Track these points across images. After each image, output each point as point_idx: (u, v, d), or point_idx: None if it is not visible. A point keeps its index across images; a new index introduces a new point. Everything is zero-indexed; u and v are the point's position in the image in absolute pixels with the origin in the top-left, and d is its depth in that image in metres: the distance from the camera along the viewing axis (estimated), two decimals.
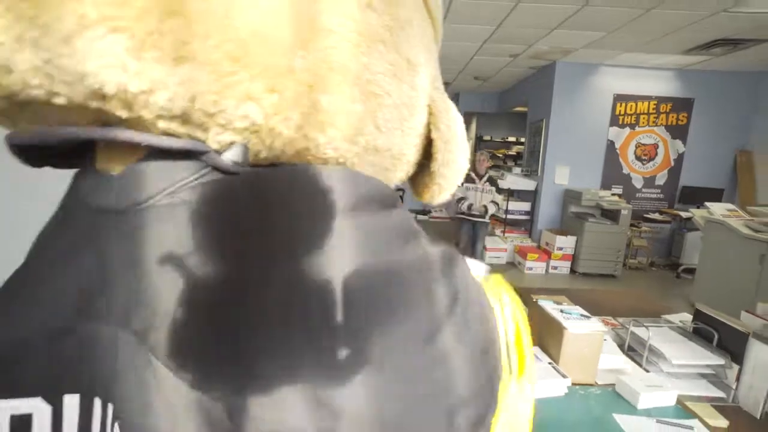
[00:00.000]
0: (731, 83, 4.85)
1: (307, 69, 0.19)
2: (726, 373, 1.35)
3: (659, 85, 4.89)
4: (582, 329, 1.23)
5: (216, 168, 0.20)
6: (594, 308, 2.10)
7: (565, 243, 4.69)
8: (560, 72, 4.87)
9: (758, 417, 1.28)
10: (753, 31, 3.47)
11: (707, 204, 3.98)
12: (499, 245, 5.04)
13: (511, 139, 10.11)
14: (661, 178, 5.13)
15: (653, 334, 1.42)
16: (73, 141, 0.19)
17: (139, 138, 0.18)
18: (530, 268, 4.68)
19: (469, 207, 4.00)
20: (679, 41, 3.83)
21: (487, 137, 9.98)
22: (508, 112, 8.79)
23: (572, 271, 4.73)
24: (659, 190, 5.15)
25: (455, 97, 7.94)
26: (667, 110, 4.92)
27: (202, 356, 0.18)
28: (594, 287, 4.16)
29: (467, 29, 3.86)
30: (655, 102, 4.90)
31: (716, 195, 4.87)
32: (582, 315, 1.30)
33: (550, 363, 1.24)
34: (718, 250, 3.65)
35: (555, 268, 4.73)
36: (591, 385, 1.25)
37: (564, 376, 1.17)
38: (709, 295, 3.69)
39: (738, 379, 1.32)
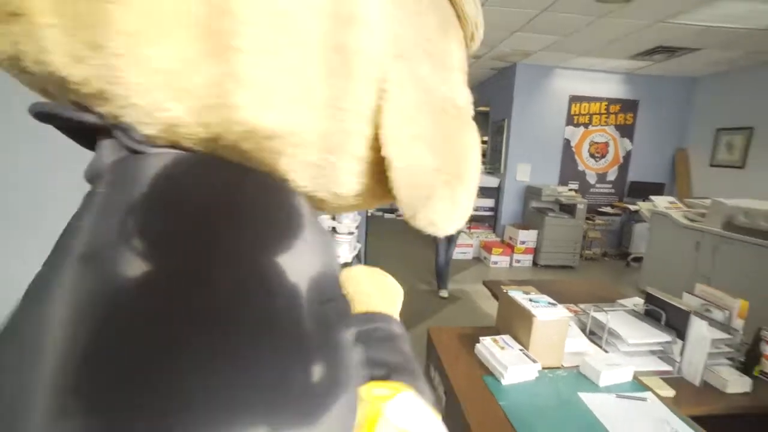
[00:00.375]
0: (670, 87, 5.29)
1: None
2: (672, 348, 1.49)
3: (609, 87, 5.24)
4: (549, 316, 1.32)
5: (127, 147, 0.18)
6: (557, 297, 2.23)
7: (528, 237, 4.92)
8: (520, 73, 5.09)
9: (697, 385, 1.43)
10: (688, 40, 3.81)
11: (652, 197, 4.33)
12: (466, 241, 5.19)
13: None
14: (612, 174, 5.51)
15: (611, 318, 1.54)
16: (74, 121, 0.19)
17: (56, 110, 0.18)
18: (495, 262, 4.87)
19: None
20: (626, 47, 4.12)
21: None
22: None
23: (534, 263, 4.98)
24: (610, 185, 5.53)
25: None
26: (616, 111, 5.29)
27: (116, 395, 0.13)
28: (555, 278, 4.41)
29: None
30: (606, 103, 5.26)
31: (659, 189, 5.30)
32: (549, 303, 1.39)
33: (521, 350, 1.32)
34: (661, 239, 3.99)
35: (518, 261, 4.95)
36: (558, 368, 1.34)
37: (534, 361, 1.25)
38: (655, 280, 4.02)
39: (682, 353, 1.47)
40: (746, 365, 1.50)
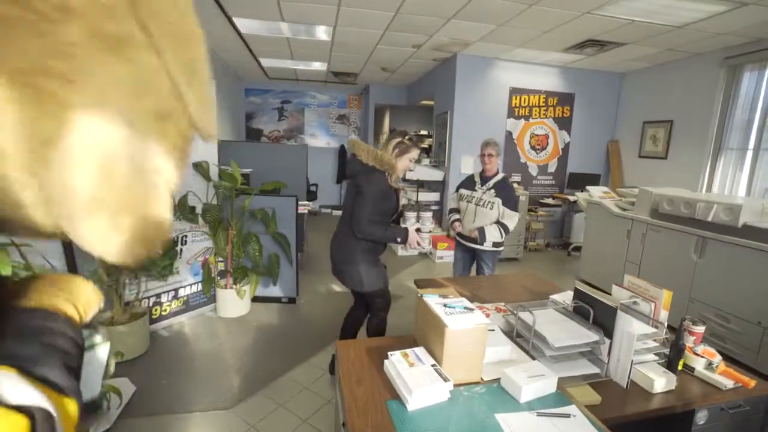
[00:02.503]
0: (602, 81, 5.47)
1: None
2: (600, 348, 1.38)
3: (547, 80, 5.32)
4: (464, 324, 1.13)
5: None
6: (491, 295, 2.11)
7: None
8: (461, 65, 5.01)
9: (625, 387, 1.32)
10: (614, 34, 3.89)
11: (588, 188, 4.42)
12: None
13: (424, 132, 10.41)
14: (552, 166, 5.62)
15: (539, 318, 1.40)
16: None
17: None
18: (440, 257, 4.77)
19: (452, 224, 2.81)
20: (559, 38, 4.15)
21: (400, 130, 10.13)
22: (418, 106, 8.96)
23: None
24: (551, 177, 5.64)
25: (366, 88, 7.84)
26: (554, 104, 5.39)
27: None
28: (499, 271, 4.39)
29: (366, 14, 3.71)
30: (545, 96, 5.33)
31: (595, 180, 5.49)
32: (466, 308, 1.21)
33: (433, 365, 1.13)
34: (596, 228, 4.07)
35: None
36: (477, 383, 1.17)
37: (446, 380, 1.06)
38: (593, 268, 4.11)
39: (609, 353, 1.36)
40: (671, 360, 1.43)
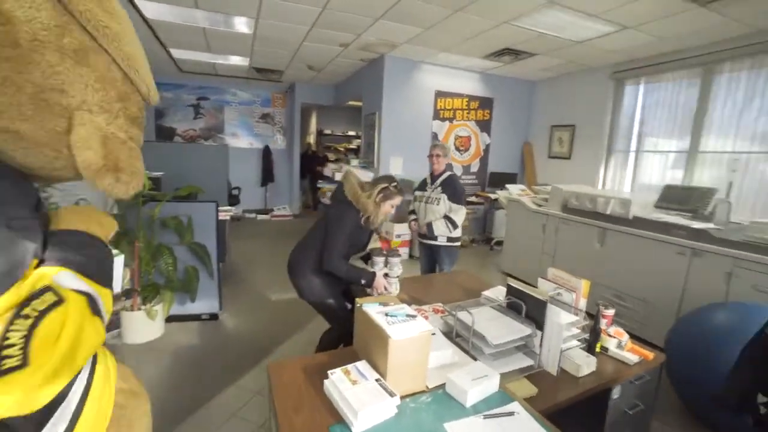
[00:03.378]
0: (517, 87, 5.95)
1: None
2: (534, 341, 1.44)
3: (469, 84, 5.61)
4: (408, 333, 1.08)
5: None
6: (427, 295, 2.12)
7: (403, 230, 4.94)
8: (389, 66, 5.05)
9: (555, 374, 1.40)
10: (528, 45, 4.24)
11: (507, 186, 4.75)
12: None
13: (351, 132, 10.35)
14: (475, 166, 5.95)
15: (476, 316, 1.41)
16: None
17: None
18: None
19: (409, 224, 3.02)
20: (480, 45, 4.39)
21: (327, 131, 9.93)
22: (346, 106, 8.89)
23: (411, 256, 5.03)
24: (474, 176, 5.97)
25: (291, 87, 7.53)
26: (476, 107, 5.71)
27: None
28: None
29: (291, 8, 3.53)
30: (467, 99, 5.62)
31: (512, 178, 5.93)
32: (408, 315, 1.16)
33: (377, 380, 1.06)
34: (516, 223, 4.39)
35: None
36: (422, 392, 1.13)
37: (392, 395, 1.00)
38: (514, 261, 4.42)
39: (541, 344, 1.43)
40: (590, 343, 1.55)
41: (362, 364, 1.14)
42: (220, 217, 3.23)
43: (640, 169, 4.69)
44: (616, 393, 1.42)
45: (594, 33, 3.78)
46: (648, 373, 1.53)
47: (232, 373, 2.35)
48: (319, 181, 6.35)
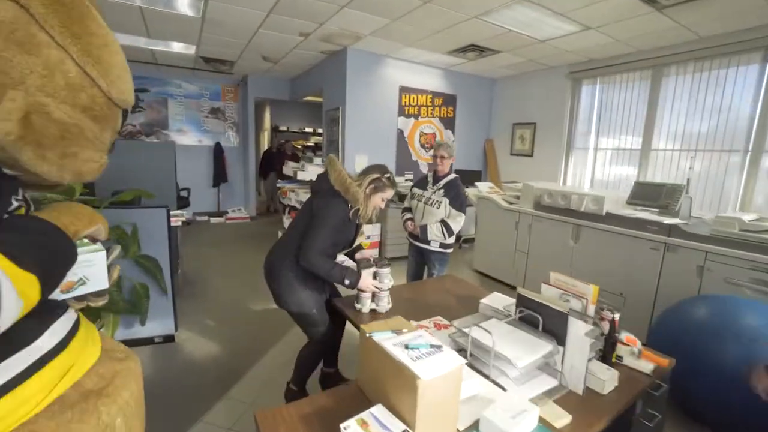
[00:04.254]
0: (478, 85, 5.96)
1: None
2: (555, 358, 1.31)
3: (433, 81, 5.52)
4: (437, 370, 0.89)
5: None
6: (422, 306, 1.94)
7: (372, 231, 4.75)
8: (352, 59, 4.81)
9: (581, 394, 1.28)
10: (493, 42, 4.20)
11: (476, 183, 4.72)
12: None
13: (308, 129, 9.94)
14: None
15: (490, 334, 1.25)
16: None
17: None
18: (343, 260, 4.50)
19: (404, 223, 2.75)
20: (446, 41, 4.29)
21: (283, 127, 9.45)
22: (302, 102, 8.49)
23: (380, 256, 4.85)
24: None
25: (244, 79, 7.01)
26: (440, 104, 5.64)
27: None
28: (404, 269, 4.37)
29: None
30: (431, 96, 5.53)
31: (477, 176, 5.95)
32: (432, 346, 0.97)
33: (405, 431, 0.85)
34: (487, 221, 4.36)
35: None
36: None
37: None
38: (486, 258, 4.40)
39: (563, 361, 1.30)
40: (605, 354, 1.46)
41: (379, 411, 0.93)
42: (171, 224, 2.83)
43: (598, 166, 4.88)
44: (638, 407, 1.34)
45: (558, 32, 3.82)
46: (664, 380, 1.47)
47: (197, 406, 2.02)
48: (279, 180, 5.94)
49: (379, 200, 1.90)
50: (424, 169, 5.75)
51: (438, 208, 2.58)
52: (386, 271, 1.83)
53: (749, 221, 2.40)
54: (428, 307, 1.86)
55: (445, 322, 1.63)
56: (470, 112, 6.00)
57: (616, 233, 3.00)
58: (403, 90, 5.28)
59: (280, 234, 5.23)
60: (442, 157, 2.63)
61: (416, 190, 2.78)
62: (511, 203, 4.05)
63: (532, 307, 1.42)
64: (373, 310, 1.77)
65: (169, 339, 2.58)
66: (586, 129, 4.99)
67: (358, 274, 1.76)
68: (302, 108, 9.62)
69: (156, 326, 2.55)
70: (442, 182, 2.64)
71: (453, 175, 2.68)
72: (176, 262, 3.13)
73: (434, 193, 2.63)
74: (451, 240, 2.64)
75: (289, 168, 5.53)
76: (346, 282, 1.75)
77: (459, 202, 2.57)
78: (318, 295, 1.89)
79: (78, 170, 0.74)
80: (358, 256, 2.05)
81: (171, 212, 2.88)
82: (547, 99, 5.33)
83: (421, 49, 4.68)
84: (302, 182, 5.22)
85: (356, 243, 2.07)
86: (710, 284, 2.49)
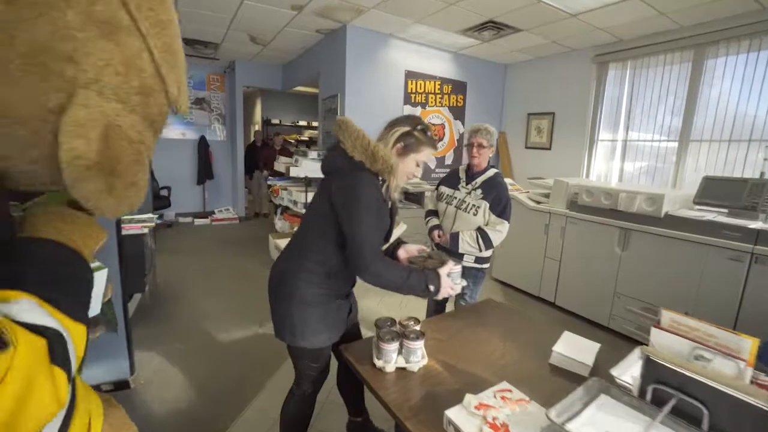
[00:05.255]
0: (488, 71, 5.41)
1: None
2: None
3: (442, 65, 4.95)
4: None
5: None
6: (465, 357, 1.29)
7: None
8: (352, 39, 4.22)
9: None
10: (516, 17, 3.64)
11: None
12: None
13: (302, 122, 9.31)
14: (449, 158, 5.34)
15: (602, 417, 0.70)
16: None
17: None
18: None
19: (430, 232, 2.18)
20: (461, 16, 3.73)
21: (275, 120, 8.82)
22: (296, 93, 7.86)
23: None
24: (448, 170, 5.34)
25: (231, 66, 6.38)
26: (449, 92, 5.08)
27: None
28: None
29: None
30: (440, 82, 4.96)
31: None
32: None
33: None
34: (511, 223, 3.78)
35: None
36: None
37: None
38: (508, 267, 3.85)
39: None
40: None
41: None
42: (130, 232, 2.25)
43: (628, 159, 4.36)
44: None
45: (594, 2, 3.27)
46: None
47: None
48: (269, 177, 5.35)
49: (412, 165, 1.33)
50: (432, 164, 5.19)
51: (475, 214, 2.01)
52: (458, 269, 1.29)
53: None
54: (477, 360, 1.30)
55: (519, 394, 1.07)
56: (481, 101, 5.44)
57: (679, 239, 2.47)
58: (410, 75, 4.70)
59: (271, 239, 4.65)
60: (480, 146, 2.05)
61: (445, 190, 2.20)
62: (539, 202, 3.51)
63: (671, 380, 0.87)
64: (401, 368, 1.21)
65: (122, 386, 1.99)
66: (613, 119, 4.46)
67: (438, 277, 1.22)
68: (296, 100, 9.01)
69: (104, 370, 1.95)
70: (479, 180, 2.07)
71: (493, 170, 2.12)
72: (142, 278, 2.55)
73: (469, 194, 2.06)
74: (489, 253, 2.08)
75: (280, 163, 4.94)
76: (432, 288, 1.20)
77: (502, 206, 2.01)
78: (340, 325, 1.36)
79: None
80: (402, 254, 1.46)
81: (134, 216, 2.31)
82: (567, 86, 4.79)
83: (432, 27, 4.10)
84: (296, 179, 4.64)
85: (395, 235, 1.51)
86: None
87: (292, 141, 8.68)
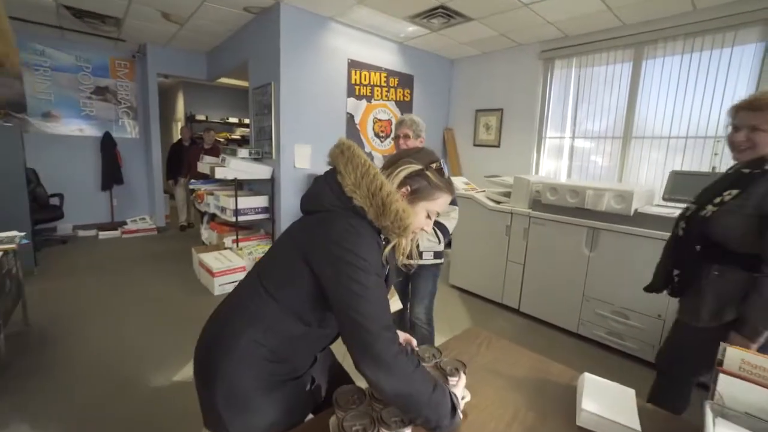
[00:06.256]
0: (436, 65, 5.17)
1: None
2: None
3: (387, 56, 4.59)
4: None
5: None
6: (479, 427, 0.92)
7: None
8: (287, 21, 3.68)
9: None
10: (469, 3, 3.39)
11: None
12: (231, 262, 3.48)
13: (233, 119, 8.41)
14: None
15: None
16: None
17: None
18: None
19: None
20: (408, 1, 3.38)
21: (201, 117, 7.84)
22: (227, 87, 7.03)
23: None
24: None
25: (141, 50, 5.43)
26: (396, 85, 4.73)
27: None
28: None
29: None
30: (386, 74, 4.59)
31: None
32: None
33: None
34: (468, 225, 3.49)
35: None
36: None
37: None
38: (466, 272, 3.57)
39: None
40: None
41: None
42: None
43: (575, 156, 4.36)
44: None
45: None
46: None
47: None
48: (192, 181, 4.57)
49: (422, 216, 0.96)
50: (379, 163, 4.77)
51: None
52: (454, 380, 0.96)
53: None
54: (488, 422, 0.91)
55: None
56: (428, 96, 5.18)
57: (650, 238, 2.33)
58: (353, 65, 4.27)
59: (195, 253, 3.87)
60: (407, 137, 1.95)
61: None
62: (498, 202, 3.27)
63: None
64: None
65: None
66: (560, 116, 4.43)
67: (453, 405, 0.84)
68: (226, 94, 8.12)
69: None
70: None
71: None
72: None
73: None
74: (443, 246, 1.93)
75: (204, 164, 4.22)
76: (444, 422, 0.81)
77: None
78: (299, 408, 0.95)
79: None
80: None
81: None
82: (515, 82, 4.70)
83: (377, 11, 3.71)
84: (223, 182, 3.97)
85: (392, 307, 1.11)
86: None
87: (222, 140, 7.78)
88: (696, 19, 3.28)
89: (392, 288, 1.11)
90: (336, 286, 0.79)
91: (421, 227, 0.97)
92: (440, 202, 0.96)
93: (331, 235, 0.82)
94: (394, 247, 0.96)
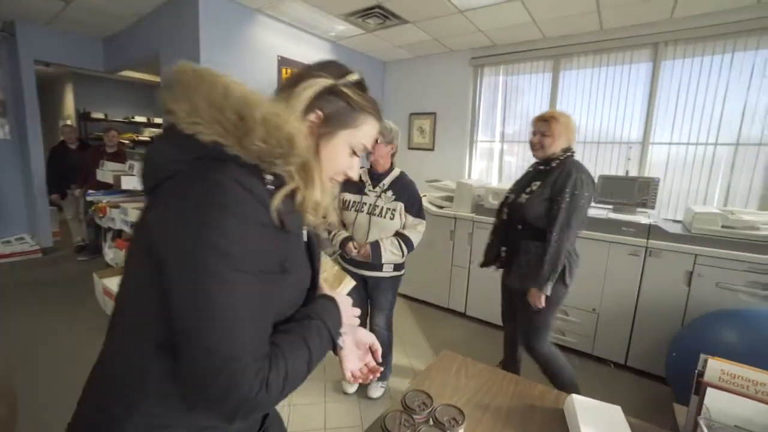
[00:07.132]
0: (369, 66, 5.08)
1: None
2: None
3: (320, 55, 4.36)
4: None
5: None
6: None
7: None
8: (207, 9, 3.27)
9: None
10: (405, 5, 3.34)
11: None
12: None
13: (141, 118, 7.39)
14: None
15: None
16: None
17: None
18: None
19: (343, 246, 1.87)
20: None
21: (98, 114, 6.75)
22: (133, 81, 6.15)
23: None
24: None
25: (8, 30, 4.44)
26: None
27: None
28: None
29: None
30: None
31: None
32: None
33: None
34: None
35: None
36: None
37: None
38: (413, 278, 3.53)
39: None
40: None
41: None
42: None
43: (506, 160, 4.59)
44: None
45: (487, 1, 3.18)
46: None
47: None
48: (90, 191, 3.84)
49: (344, 152, 0.69)
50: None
51: (392, 218, 1.84)
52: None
53: (732, 217, 2.13)
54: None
55: None
56: None
57: (586, 239, 2.49)
58: (284, 63, 3.97)
59: (97, 279, 3.16)
60: (376, 143, 1.83)
61: (349, 197, 1.95)
62: (441, 207, 3.27)
63: None
64: None
65: None
66: (490, 120, 4.64)
67: (336, 312, 0.69)
68: (130, 89, 7.12)
69: None
70: (387, 180, 1.90)
71: (398, 170, 1.97)
72: None
73: (379, 197, 1.86)
74: (404, 258, 1.91)
75: (106, 171, 3.60)
76: (340, 335, 0.69)
77: (417, 206, 1.91)
78: None
79: None
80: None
81: None
82: (447, 87, 4.81)
83: (310, 6, 3.48)
84: (132, 193, 3.41)
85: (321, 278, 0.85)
86: (702, 292, 2.14)
87: (127, 142, 6.79)
88: (602, 38, 3.64)
89: (342, 272, 0.91)
90: (175, 287, 0.50)
91: (343, 171, 0.69)
92: (366, 130, 0.69)
93: (170, 211, 0.52)
94: (294, 198, 0.61)
